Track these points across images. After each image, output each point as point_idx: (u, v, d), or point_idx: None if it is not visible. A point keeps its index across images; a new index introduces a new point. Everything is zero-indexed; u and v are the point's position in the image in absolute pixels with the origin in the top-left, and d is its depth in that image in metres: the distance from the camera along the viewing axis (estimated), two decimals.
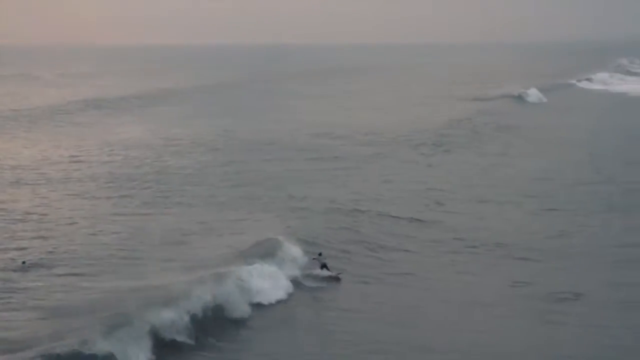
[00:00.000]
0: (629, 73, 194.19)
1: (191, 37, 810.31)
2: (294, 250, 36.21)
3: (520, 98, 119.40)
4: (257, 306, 31.02)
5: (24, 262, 34.63)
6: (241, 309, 30.35)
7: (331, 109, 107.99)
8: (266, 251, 35.38)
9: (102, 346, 24.56)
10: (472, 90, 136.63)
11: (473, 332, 28.51)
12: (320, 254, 35.39)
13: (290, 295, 32.67)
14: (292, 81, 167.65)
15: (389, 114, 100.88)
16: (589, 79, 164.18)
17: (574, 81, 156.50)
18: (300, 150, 69.94)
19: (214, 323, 29.03)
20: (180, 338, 27.28)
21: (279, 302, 31.87)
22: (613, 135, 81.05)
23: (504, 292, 32.90)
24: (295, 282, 33.77)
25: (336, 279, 34.38)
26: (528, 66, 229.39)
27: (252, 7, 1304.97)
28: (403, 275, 35.42)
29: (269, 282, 32.61)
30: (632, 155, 67.19)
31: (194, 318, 28.39)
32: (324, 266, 34.69)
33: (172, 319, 27.55)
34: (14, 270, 33.49)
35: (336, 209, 45.38)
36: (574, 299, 31.83)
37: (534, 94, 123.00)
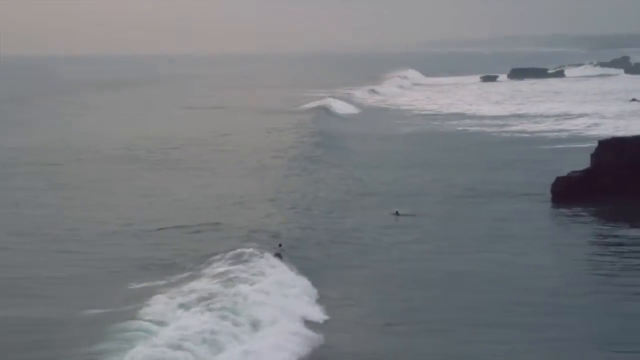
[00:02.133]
0: (413, 85, 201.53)
1: None
2: None
3: (326, 109, 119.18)
4: None
5: None
6: None
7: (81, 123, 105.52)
8: None
9: None
10: (264, 101, 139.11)
11: None
12: (280, 245, 38.21)
13: None
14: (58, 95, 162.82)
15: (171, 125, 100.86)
16: (373, 91, 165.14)
17: (357, 92, 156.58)
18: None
19: None
20: None
21: None
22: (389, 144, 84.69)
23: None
24: None
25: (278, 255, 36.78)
26: (317, 77, 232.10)
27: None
28: None
29: None
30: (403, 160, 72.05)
31: None
32: (277, 254, 36.61)
33: None
34: None
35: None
36: None
37: (338, 106, 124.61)
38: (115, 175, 63.03)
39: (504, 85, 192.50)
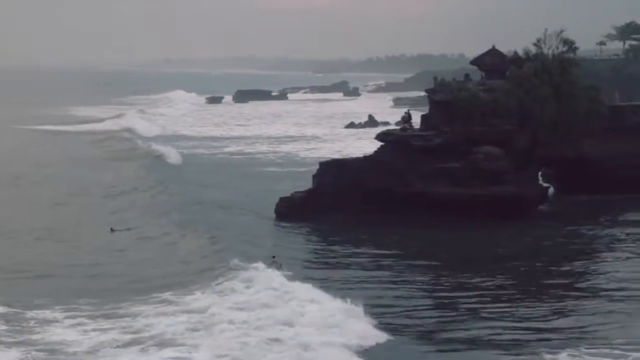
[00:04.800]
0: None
1: None
2: None
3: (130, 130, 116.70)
4: None
5: None
6: None
7: None
8: None
9: None
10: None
11: None
12: (274, 257, 40.14)
13: None
14: None
15: None
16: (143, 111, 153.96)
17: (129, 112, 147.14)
18: None
19: None
20: None
21: None
22: None
23: None
24: None
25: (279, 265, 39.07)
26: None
27: None
28: None
29: None
30: None
31: None
32: (280, 267, 38.46)
33: None
34: None
35: None
36: None
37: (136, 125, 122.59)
38: None
39: (229, 107, 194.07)
